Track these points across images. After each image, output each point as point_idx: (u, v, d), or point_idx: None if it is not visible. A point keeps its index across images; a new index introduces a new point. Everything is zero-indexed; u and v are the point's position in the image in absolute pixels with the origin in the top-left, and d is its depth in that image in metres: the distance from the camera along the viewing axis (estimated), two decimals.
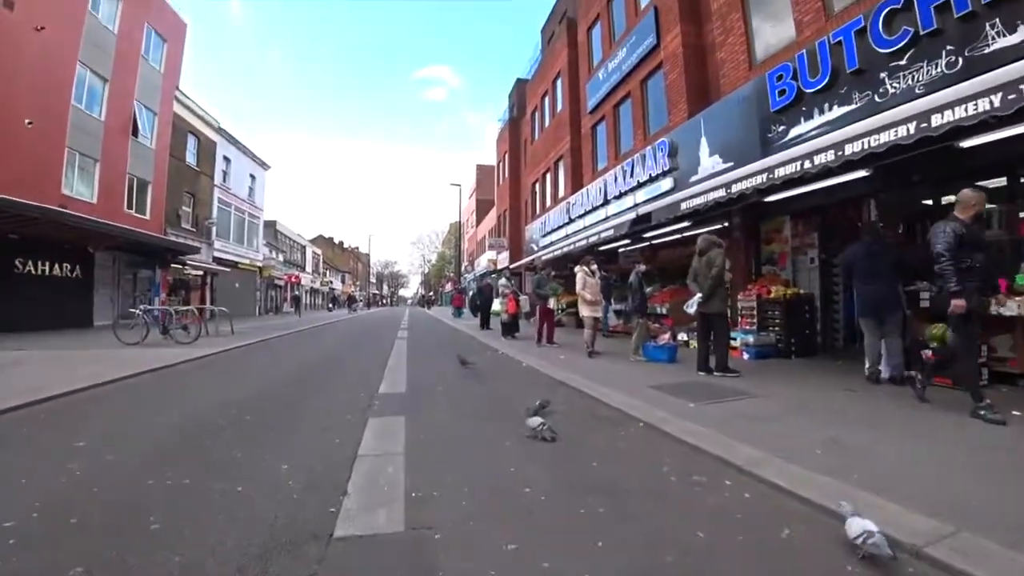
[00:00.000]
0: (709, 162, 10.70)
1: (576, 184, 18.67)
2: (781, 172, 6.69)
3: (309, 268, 57.14)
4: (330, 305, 59.99)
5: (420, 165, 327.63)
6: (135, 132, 23.24)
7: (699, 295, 7.34)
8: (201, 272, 29.19)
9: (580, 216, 16.91)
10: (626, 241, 14.85)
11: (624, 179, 14.06)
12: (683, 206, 9.13)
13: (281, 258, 43.92)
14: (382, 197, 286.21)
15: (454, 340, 14.09)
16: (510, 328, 13.74)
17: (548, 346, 11.56)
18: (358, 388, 6.85)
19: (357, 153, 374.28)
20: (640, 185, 13.36)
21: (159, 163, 25.09)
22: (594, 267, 10.07)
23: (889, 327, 6.18)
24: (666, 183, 12.19)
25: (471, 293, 48.91)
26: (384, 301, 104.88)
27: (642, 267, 9.42)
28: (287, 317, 32.82)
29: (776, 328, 9.32)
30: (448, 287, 63.80)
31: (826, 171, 6.19)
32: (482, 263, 39.11)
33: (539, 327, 11.81)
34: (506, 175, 30.68)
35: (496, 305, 14.25)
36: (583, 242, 14.13)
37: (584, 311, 9.89)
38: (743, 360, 8.79)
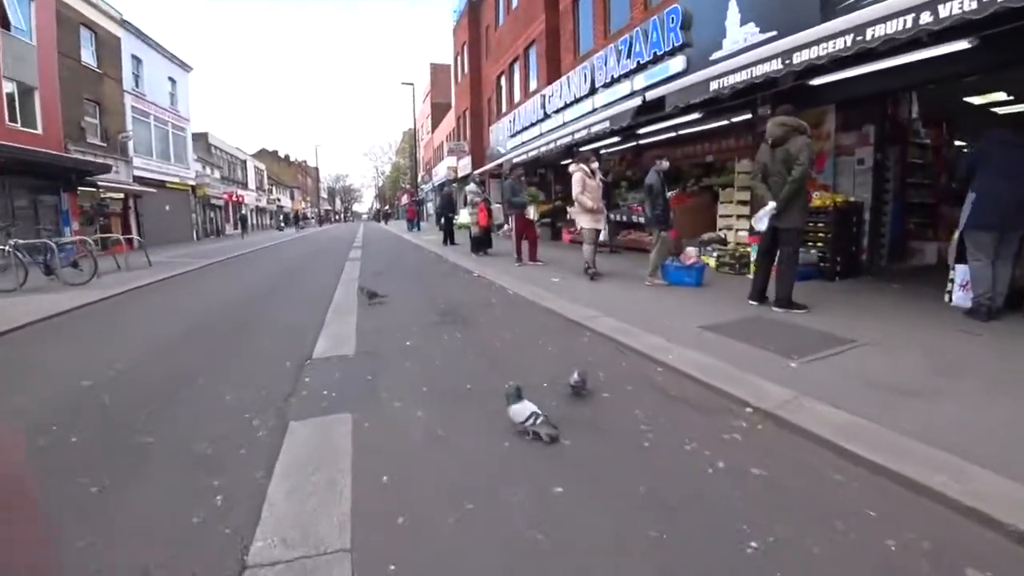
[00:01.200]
0: (740, 33, 8.44)
1: (552, 73, 15.96)
2: (876, 32, 4.61)
3: (252, 185, 52.65)
4: (281, 224, 56.17)
5: (369, 68, 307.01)
6: (5, 24, 18.86)
7: (772, 203, 5.33)
8: (122, 195, 25.61)
9: (559, 110, 14.43)
10: (611, 140, 12.65)
11: (619, 61, 11.58)
12: (714, 85, 7.01)
13: (218, 175, 39.73)
14: (329, 105, 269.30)
15: (419, 261, 11.99)
16: (481, 243, 11.68)
17: (531, 265, 9.62)
18: (284, 350, 4.74)
19: (298, 56, 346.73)
20: (640, 67, 10.96)
21: (44, 63, 20.80)
22: (595, 165, 7.96)
23: (1007, 246, 4.77)
24: (676, 63, 9.87)
25: (430, 204, 46.30)
26: (337, 217, 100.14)
27: (664, 164, 7.32)
28: (229, 240, 29.74)
29: (819, 244, 7.58)
30: (404, 199, 60.44)
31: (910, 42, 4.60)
32: (441, 172, 36.10)
33: (518, 242, 9.79)
34: (465, 70, 27.18)
35: (464, 216, 12.05)
36: (567, 139, 11.81)
37: (583, 221, 7.88)
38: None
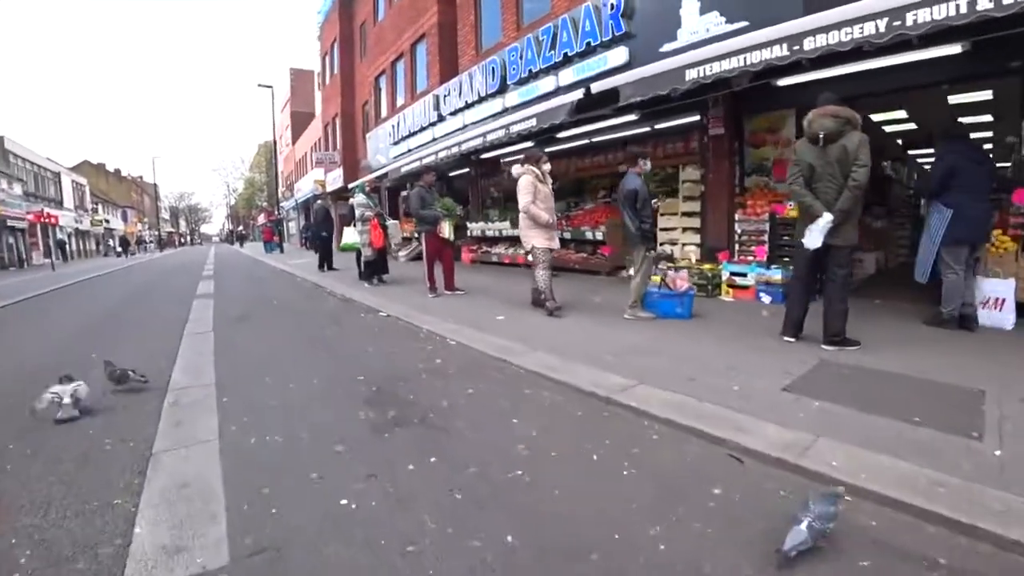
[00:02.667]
0: (700, 23, 7.25)
1: (448, 71, 13.99)
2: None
3: (70, 203, 44.31)
4: (118, 249, 47.80)
5: (219, 73, 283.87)
6: None
7: (827, 216, 3.96)
8: None
9: (458, 111, 12.49)
10: (511, 149, 11.07)
11: (539, 54, 9.95)
12: (691, 75, 5.84)
13: (19, 190, 32.47)
14: (171, 114, 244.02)
15: (295, 296, 9.36)
16: (375, 268, 9.37)
17: (451, 295, 7.58)
18: None
19: (134, 57, 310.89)
20: (568, 60, 9.41)
21: None
22: (547, 167, 6.14)
23: (975, 257, 4.91)
24: (617, 55, 8.46)
25: (292, 224, 41.83)
26: (183, 240, 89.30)
27: (647, 164, 5.67)
28: (34, 272, 23.85)
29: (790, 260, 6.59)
30: (261, 219, 54.73)
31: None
32: (306, 186, 32.43)
33: (430, 267, 7.70)
34: (335, 71, 24.26)
35: (349, 235, 9.67)
36: (475, 141, 9.98)
37: (534, 238, 6.03)
38: (761, 304, 6.29)
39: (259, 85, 28.13)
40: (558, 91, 9.49)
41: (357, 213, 9.03)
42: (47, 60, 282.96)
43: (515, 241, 11.66)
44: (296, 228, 39.44)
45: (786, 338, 4.43)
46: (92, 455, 2.83)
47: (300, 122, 40.44)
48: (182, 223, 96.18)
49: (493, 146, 10.20)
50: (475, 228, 12.75)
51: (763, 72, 5.80)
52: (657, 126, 9.02)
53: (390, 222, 9.39)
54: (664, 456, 2.64)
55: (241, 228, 62.75)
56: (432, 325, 5.61)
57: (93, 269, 23.22)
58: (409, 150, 15.05)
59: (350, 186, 19.98)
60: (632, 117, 8.66)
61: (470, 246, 12.99)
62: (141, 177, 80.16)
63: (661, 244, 8.67)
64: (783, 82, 6.78)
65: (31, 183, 36.46)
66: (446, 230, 7.43)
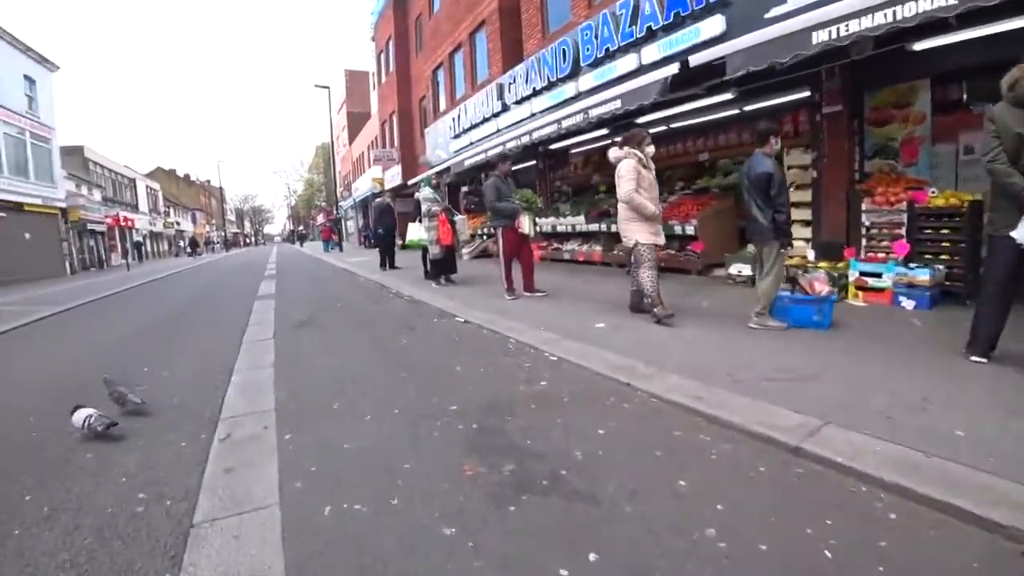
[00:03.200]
0: None
1: (511, 58, 13.22)
2: None
3: (145, 208, 46.34)
4: (188, 249, 49.95)
5: (277, 81, 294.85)
6: None
7: None
8: None
9: (527, 98, 11.66)
10: (583, 137, 10.22)
11: (616, 30, 9.01)
12: (819, 37, 4.87)
13: (98, 196, 33.96)
14: (234, 121, 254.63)
15: (358, 297, 8.78)
16: (443, 267, 8.65)
17: (530, 297, 6.75)
18: None
19: (199, 69, 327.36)
20: (651, 35, 8.43)
21: None
22: (650, 148, 5.22)
23: None
24: (711, 26, 7.43)
25: (350, 223, 42.23)
26: (247, 240, 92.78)
27: (777, 144, 4.67)
28: (112, 273, 24.67)
29: (945, 256, 5.46)
30: (320, 219, 55.79)
31: None
32: (364, 185, 32.45)
33: (507, 266, 6.88)
34: (391, 68, 23.96)
35: (415, 232, 8.97)
36: (549, 128, 9.12)
37: (637, 232, 5.12)
38: (903, 311, 5.14)
39: (316, 86, 28.13)
40: (640, 70, 8.52)
41: (423, 208, 8.33)
42: (123, 75, 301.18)
43: (588, 237, 10.77)
44: (355, 227, 39.75)
45: (974, 358, 3.38)
46: (118, 522, 2.14)
47: (356, 122, 40.69)
48: (246, 224, 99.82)
49: (568, 133, 9.30)
50: (545, 223, 11.87)
51: (893, 36, 4.74)
52: (755, 105, 7.93)
53: (458, 217, 8.67)
54: (926, 552, 1.71)
55: (301, 228, 64.26)
56: (521, 334, 4.79)
57: (164, 269, 23.79)
58: (471, 143, 14.33)
59: (410, 181, 19.60)
60: (726, 96, 7.62)
61: (539, 243, 12.14)
62: (208, 181, 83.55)
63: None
64: (921, 46, 5.63)
65: (109, 189, 38.18)
66: (526, 225, 6.60)
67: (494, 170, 7.05)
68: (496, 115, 13.10)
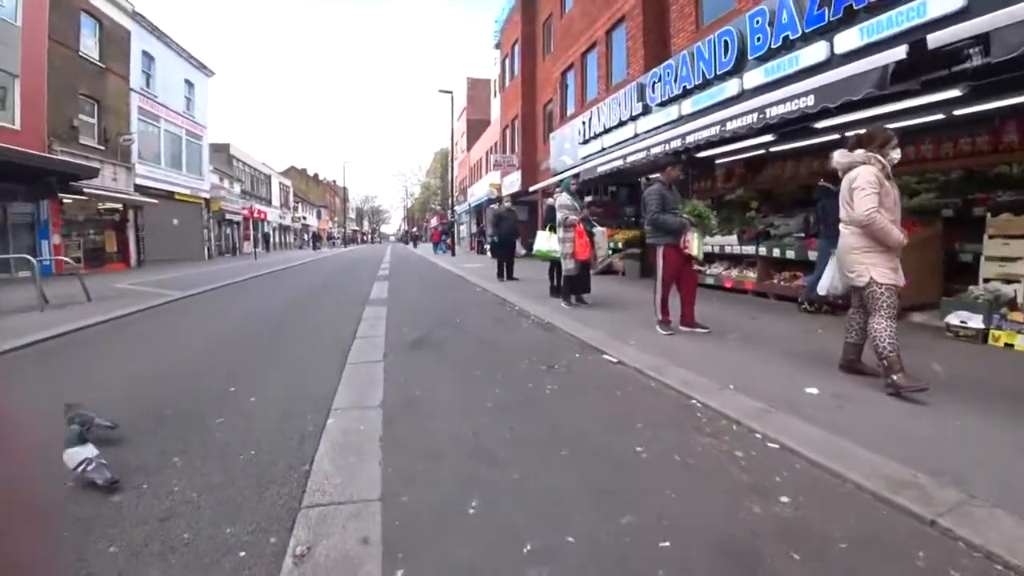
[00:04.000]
0: None
1: (654, 55, 11.98)
2: None
3: (277, 202, 49.76)
4: (312, 244, 53.57)
5: (402, 89, 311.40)
6: None
7: None
8: (120, 206, 22.30)
9: (675, 98, 10.33)
10: (734, 147, 8.79)
11: (800, 15, 7.51)
12: None
13: (238, 189, 36.65)
14: (360, 126, 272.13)
15: (480, 314, 7.89)
16: (577, 286, 7.55)
17: (690, 332, 5.48)
18: None
19: (333, 79, 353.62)
20: (850, 16, 6.85)
21: (30, 49, 17.68)
22: (896, 153, 3.86)
23: None
24: (942, 1, 5.78)
25: (463, 227, 42.55)
26: (365, 238, 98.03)
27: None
28: (242, 260, 26.25)
29: None
30: (434, 222, 57.12)
31: None
32: (480, 191, 32.34)
33: (664, 293, 5.64)
34: (516, 72, 23.46)
35: (544, 242, 7.97)
36: (707, 132, 7.81)
37: (872, 267, 3.76)
38: None
39: (440, 91, 28.25)
40: (831, 61, 6.98)
41: (559, 216, 7.30)
42: (265, 80, 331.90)
43: (737, 261, 9.24)
44: (467, 231, 39.98)
45: None
46: None
47: (475, 129, 41.04)
48: (365, 223, 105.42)
49: (727, 139, 7.90)
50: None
51: None
52: (999, 103, 6.14)
53: (597, 230, 7.53)
54: None
55: (415, 229, 66.39)
56: (707, 395, 3.54)
57: (285, 261, 24.84)
58: (603, 149, 13.19)
59: (538, 186, 18.85)
60: (951, 93, 5.90)
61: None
62: (335, 181, 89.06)
63: (990, 280, 5.80)
64: None
65: (248, 183, 41.22)
66: (694, 244, 5.36)
67: (659, 174, 5.84)
68: (635, 118, 11.85)
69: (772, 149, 9.39)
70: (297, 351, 5.24)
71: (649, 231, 5.64)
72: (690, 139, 8.29)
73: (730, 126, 7.40)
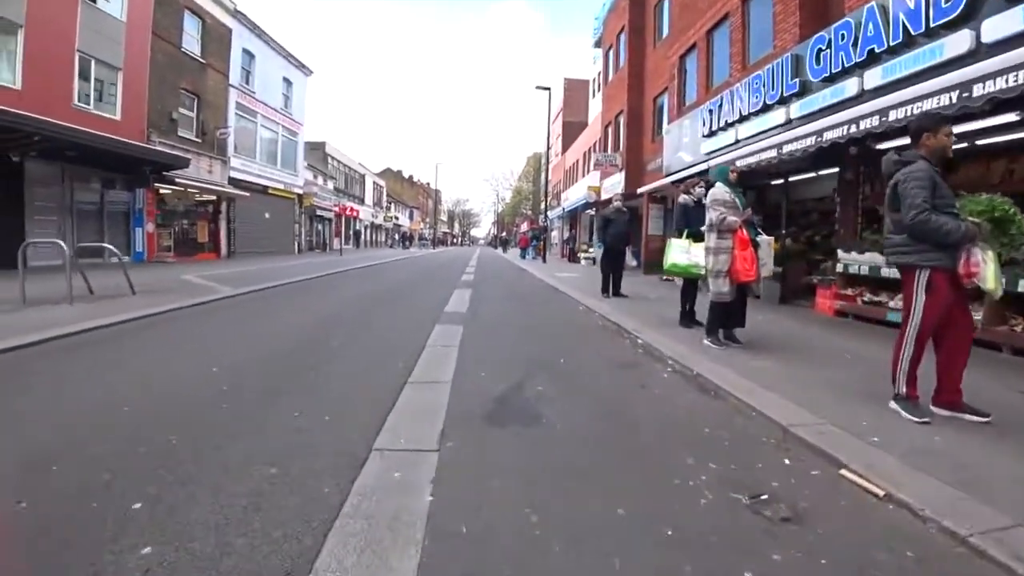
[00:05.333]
0: None
1: (815, 18, 9.39)
2: None
3: (370, 201, 50.25)
4: (406, 243, 54.29)
5: (496, 94, 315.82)
6: None
7: None
8: (213, 197, 22.32)
9: (850, 69, 7.76)
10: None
11: None
12: None
13: (331, 186, 36.84)
14: (454, 130, 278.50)
15: (599, 360, 5.78)
16: (728, 316, 5.26)
17: (947, 414, 3.14)
18: None
19: (428, 85, 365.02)
20: None
21: (134, 43, 17.72)
22: None
23: None
24: None
25: (555, 233, 40.42)
26: (454, 240, 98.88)
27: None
28: (327, 256, 25.76)
29: None
30: (524, 227, 55.72)
31: None
32: (576, 194, 30.25)
33: (916, 349, 3.23)
34: (622, 63, 21.18)
35: (686, 254, 5.76)
36: (936, 100, 5.32)
37: None
38: None
39: (537, 87, 26.47)
40: None
41: (710, 217, 5.06)
42: (366, 83, 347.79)
43: None
44: (559, 237, 38.01)
45: None
46: None
47: (571, 131, 39.11)
48: (456, 225, 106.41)
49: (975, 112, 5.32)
50: (848, 259, 7.89)
51: None
52: None
53: (762, 238, 5.23)
54: None
55: (504, 234, 65.34)
56: None
57: (370, 259, 23.96)
58: (737, 141, 10.73)
59: (646, 188, 16.38)
60: None
61: (833, 288, 8.18)
62: (428, 183, 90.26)
63: None
64: None
65: (341, 181, 41.60)
66: (988, 272, 3.00)
67: (915, 150, 3.45)
68: (785, 101, 9.34)
69: None
70: (335, 389, 3.49)
71: (898, 244, 3.29)
72: (895, 116, 5.80)
73: (977, 92, 4.92)
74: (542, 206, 34.29)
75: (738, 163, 8.76)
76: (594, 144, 26.31)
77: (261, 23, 25.45)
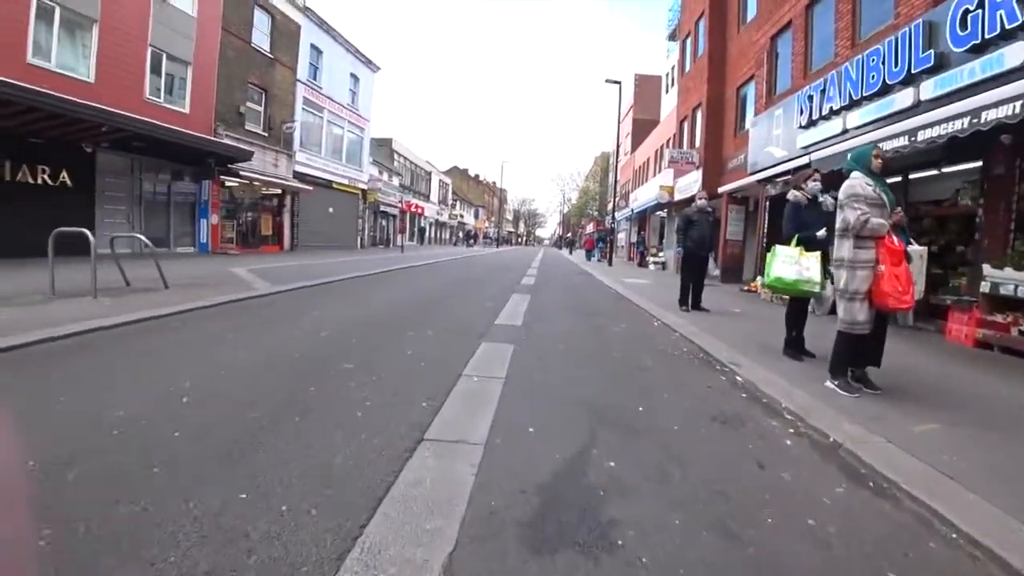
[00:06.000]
0: None
1: None
2: None
3: (435, 198, 50.20)
4: (470, 241, 54.46)
5: (564, 96, 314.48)
6: None
7: None
8: (279, 191, 22.40)
9: (1005, 35, 6.15)
10: None
11: None
12: None
13: (396, 183, 36.79)
14: (521, 129, 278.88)
15: (698, 411, 4.59)
16: (860, 351, 3.87)
17: None
18: None
19: (497, 83, 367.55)
20: None
21: (204, 37, 17.83)
22: None
23: None
24: None
25: (622, 235, 38.63)
26: (519, 240, 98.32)
27: None
28: (389, 253, 25.45)
29: None
30: (590, 228, 54.17)
31: None
32: (647, 194, 28.61)
33: None
34: (701, 50, 19.48)
35: (796, 268, 4.45)
36: None
37: None
38: None
39: (607, 80, 25.14)
40: None
41: (848, 218, 3.71)
42: (437, 82, 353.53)
43: None
44: (626, 240, 36.41)
45: None
46: None
47: (641, 129, 37.35)
48: (521, 225, 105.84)
49: None
50: (998, 278, 6.27)
51: None
52: None
53: (913, 248, 3.87)
54: None
55: (569, 234, 64.02)
56: None
57: (431, 256, 23.43)
58: (845, 131, 9.14)
59: (728, 187, 14.75)
60: None
61: (974, 312, 6.57)
62: (494, 183, 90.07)
63: None
64: None
65: (407, 178, 41.60)
66: None
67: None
68: (912, 79, 7.71)
69: None
70: (327, 447, 2.51)
71: None
72: None
73: None
74: (609, 207, 32.81)
75: (885, 147, 7.29)
76: (667, 141, 24.64)
77: (329, 19, 25.46)
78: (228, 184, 19.28)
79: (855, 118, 8.92)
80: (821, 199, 5.14)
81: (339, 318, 6.51)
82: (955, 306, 6.98)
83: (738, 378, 4.29)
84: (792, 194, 5.22)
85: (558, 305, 8.90)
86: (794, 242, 4.93)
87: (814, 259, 4.79)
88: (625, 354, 5.24)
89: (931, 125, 6.13)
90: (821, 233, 4.91)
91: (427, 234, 48.69)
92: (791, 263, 4.84)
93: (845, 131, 9.13)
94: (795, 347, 5.14)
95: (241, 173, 18.73)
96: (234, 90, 19.50)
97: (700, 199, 8.66)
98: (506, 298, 9.20)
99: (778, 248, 4.99)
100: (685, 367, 4.84)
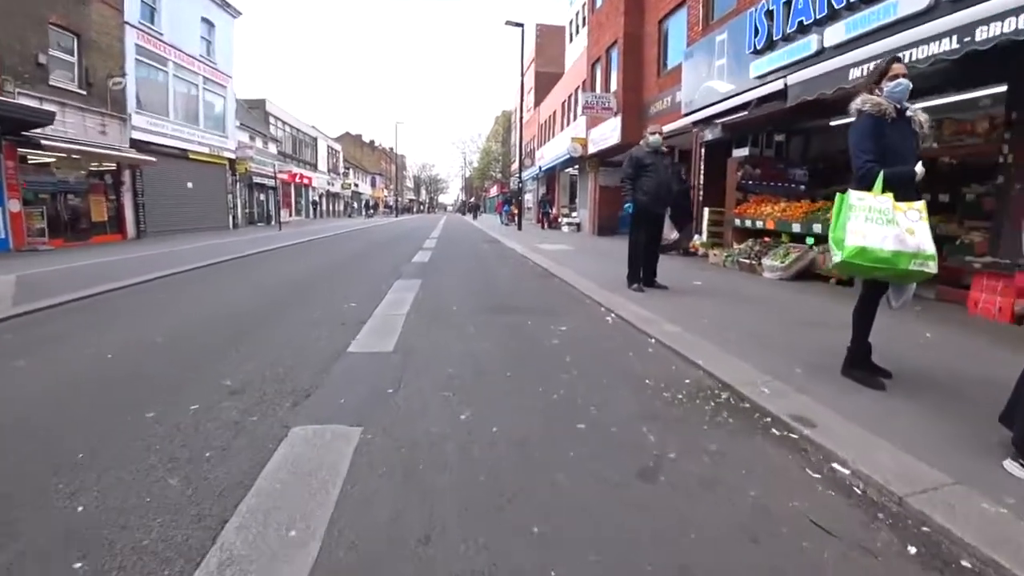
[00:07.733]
0: None
1: None
2: None
3: (324, 167, 45.39)
4: (369, 211, 50.87)
5: (461, 55, 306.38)
6: None
7: None
8: (112, 165, 17.90)
9: None
10: None
11: None
12: None
13: (274, 150, 32.13)
14: (419, 94, 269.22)
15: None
16: None
17: None
18: None
19: (389, 43, 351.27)
20: None
21: None
22: None
23: None
24: None
25: (529, 195, 36.54)
26: (421, 207, 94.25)
27: None
28: (264, 231, 21.57)
29: None
30: (494, 191, 51.81)
31: None
32: (555, 150, 26.38)
33: None
34: None
35: (893, 231, 2.20)
36: None
37: None
38: None
39: (507, 23, 22.46)
40: None
41: None
42: (325, 43, 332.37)
43: None
44: (533, 200, 34.26)
45: None
46: None
47: (545, 83, 35.02)
48: (423, 192, 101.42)
49: None
50: None
51: None
52: None
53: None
54: None
55: (473, 199, 61.25)
56: None
57: (316, 231, 19.96)
58: (821, 51, 7.18)
59: (673, 126, 12.15)
60: None
61: (1017, 278, 4.85)
62: (391, 148, 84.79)
63: None
64: None
65: (288, 145, 36.75)
66: None
67: None
68: None
69: None
70: None
71: None
72: None
73: None
74: (514, 167, 30.40)
75: (854, 76, 5.27)
76: (576, 89, 22.39)
77: None
78: (34, 160, 14.79)
79: (837, 33, 6.94)
80: (911, 112, 2.99)
81: (229, 303, 3.59)
82: (981, 271, 5.24)
83: (836, 468, 2.03)
84: (864, 100, 2.98)
85: (460, 295, 6.36)
86: (879, 184, 2.73)
87: (917, 213, 2.65)
88: (596, 423, 2.74)
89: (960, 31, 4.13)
90: (920, 168, 2.78)
91: (320, 207, 44.09)
92: (882, 222, 2.66)
93: (821, 50, 7.17)
94: (862, 364, 3.05)
95: (44, 143, 14.30)
96: (26, 32, 14.80)
97: (652, 135, 6.32)
98: (384, 290, 6.54)
99: (853, 197, 2.78)
100: (697, 418, 2.51)
